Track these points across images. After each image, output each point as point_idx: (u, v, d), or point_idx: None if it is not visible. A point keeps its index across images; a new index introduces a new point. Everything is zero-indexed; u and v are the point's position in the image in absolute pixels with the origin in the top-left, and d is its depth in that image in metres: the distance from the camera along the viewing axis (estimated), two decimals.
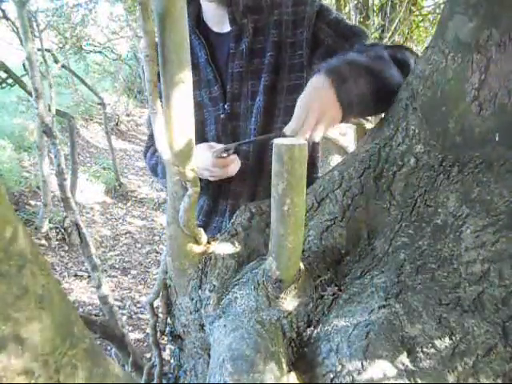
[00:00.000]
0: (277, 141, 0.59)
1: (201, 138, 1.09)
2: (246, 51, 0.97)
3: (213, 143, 0.99)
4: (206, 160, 0.93)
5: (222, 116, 1.04)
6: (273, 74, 0.98)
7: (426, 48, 0.77)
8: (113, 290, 2.94)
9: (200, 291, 0.80)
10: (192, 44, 1.01)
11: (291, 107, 1.02)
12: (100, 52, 6.25)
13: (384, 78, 0.82)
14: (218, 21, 1.00)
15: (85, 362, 0.57)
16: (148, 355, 2.13)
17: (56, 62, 3.99)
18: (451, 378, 0.57)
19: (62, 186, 1.75)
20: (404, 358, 0.59)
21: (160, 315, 0.95)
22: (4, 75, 2.91)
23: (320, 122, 0.74)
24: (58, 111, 3.13)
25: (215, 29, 1.02)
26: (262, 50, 0.98)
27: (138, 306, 2.85)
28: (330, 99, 0.75)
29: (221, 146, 0.93)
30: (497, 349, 0.58)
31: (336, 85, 0.75)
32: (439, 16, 0.80)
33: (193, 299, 0.81)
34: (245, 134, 1.05)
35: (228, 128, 1.05)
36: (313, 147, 1.12)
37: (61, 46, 5.22)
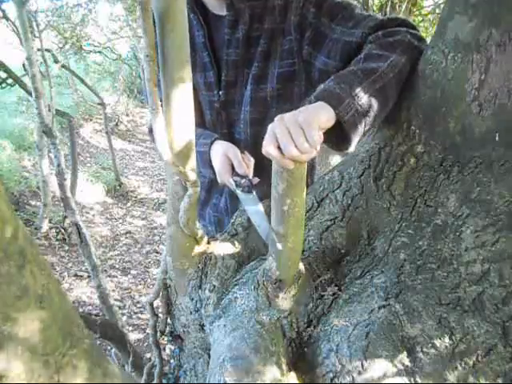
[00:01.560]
0: None
1: (200, 120, 1.08)
2: (243, 39, 0.95)
3: (231, 153, 0.88)
4: (223, 173, 0.89)
5: (216, 104, 1.03)
6: (262, 62, 0.96)
7: (426, 48, 0.77)
8: (113, 290, 2.94)
9: (200, 291, 0.80)
10: (190, 23, 0.99)
11: (285, 95, 0.98)
12: (100, 52, 6.24)
13: (382, 76, 0.73)
14: (215, 4, 0.97)
15: (85, 362, 0.57)
16: (148, 355, 2.13)
17: (56, 62, 3.98)
18: (451, 378, 0.57)
19: (61, 186, 1.75)
20: (404, 358, 0.59)
21: (160, 315, 0.95)
22: (4, 75, 2.91)
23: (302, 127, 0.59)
24: (57, 111, 3.13)
25: (213, 10, 0.98)
26: (258, 38, 0.95)
27: (138, 305, 2.84)
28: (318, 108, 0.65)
29: (243, 169, 0.86)
30: (497, 349, 0.58)
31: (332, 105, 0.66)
32: (439, 16, 0.79)
33: (193, 299, 0.81)
34: (238, 122, 1.04)
35: (222, 115, 1.04)
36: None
37: (61, 46, 5.21)
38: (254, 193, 0.83)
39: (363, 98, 0.69)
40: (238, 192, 0.84)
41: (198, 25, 0.98)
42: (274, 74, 0.97)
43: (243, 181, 0.84)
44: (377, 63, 0.74)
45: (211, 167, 0.93)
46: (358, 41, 0.84)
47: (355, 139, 0.70)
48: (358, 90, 0.69)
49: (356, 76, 0.72)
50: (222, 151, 0.90)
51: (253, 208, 0.82)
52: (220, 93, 1.01)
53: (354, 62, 0.78)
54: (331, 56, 0.88)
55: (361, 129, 0.70)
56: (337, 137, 0.70)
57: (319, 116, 0.63)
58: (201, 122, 1.08)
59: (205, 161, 0.94)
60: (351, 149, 0.73)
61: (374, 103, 0.70)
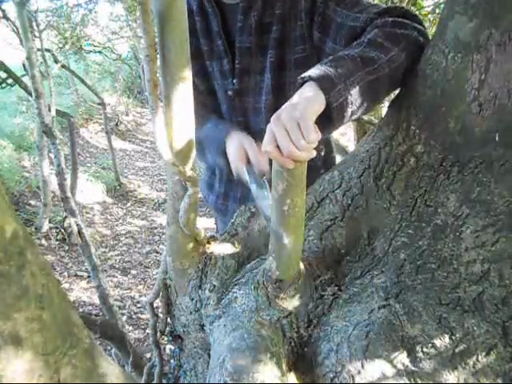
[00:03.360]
0: None
1: (215, 109, 1.08)
2: (255, 26, 0.95)
3: (247, 144, 0.88)
4: (237, 161, 0.89)
5: (229, 92, 1.03)
6: (279, 49, 0.96)
7: (427, 48, 0.77)
8: (113, 290, 2.94)
9: (200, 291, 0.80)
10: (205, 11, 0.99)
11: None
12: (100, 52, 6.24)
13: (379, 68, 0.73)
14: None
15: (85, 362, 0.57)
16: (148, 355, 2.13)
17: (56, 62, 3.98)
18: (451, 378, 0.57)
19: (61, 186, 1.75)
20: (404, 358, 0.59)
21: (160, 315, 0.95)
22: (4, 75, 2.91)
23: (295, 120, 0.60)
24: (58, 111, 3.12)
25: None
26: (270, 24, 0.95)
27: (138, 305, 2.84)
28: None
29: (256, 158, 0.85)
30: (497, 349, 0.58)
31: (324, 90, 0.66)
32: (439, 16, 0.79)
33: (193, 299, 0.81)
34: (254, 111, 1.04)
35: (236, 104, 1.04)
36: (326, 143, 1.11)
37: (61, 46, 5.22)
38: (268, 185, 0.82)
39: (355, 87, 0.69)
40: (251, 183, 0.84)
41: (213, 13, 0.98)
42: (290, 61, 0.97)
43: (256, 170, 0.84)
44: (377, 54, 0.74)
45: (224, 156, 0.93)
46: (363, 26, 0.83)
47: (338, 126, 0.72)
48: (353, 79, 0.69)
49: (354, 63, 0.71)
50: (237, 141, 0.90)
51: (264, 202, 0.81)
52: (234, 81, 1.02)
53: (356, 45, 0.77)
54: (337, 41, 0.88)
55: (346, 118, 0.71)
56: (320, 120, 0.69)
57: (313, 108, 0.64)
58: (217, 112, 1.08)
59: (218, 146, 0.93)
60: (330, 133, 0.74)
61: (364, 95, 0.71)
